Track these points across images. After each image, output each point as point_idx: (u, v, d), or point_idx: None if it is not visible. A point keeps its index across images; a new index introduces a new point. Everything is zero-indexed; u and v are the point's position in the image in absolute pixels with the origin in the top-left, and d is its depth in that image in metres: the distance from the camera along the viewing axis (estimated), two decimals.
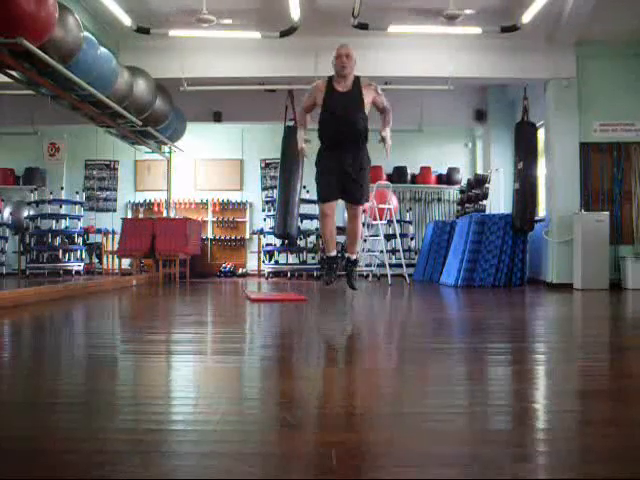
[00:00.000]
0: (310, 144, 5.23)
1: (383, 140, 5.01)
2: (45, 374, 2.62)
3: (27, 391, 2.28)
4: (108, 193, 13.62)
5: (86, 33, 6.68)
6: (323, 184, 5.08)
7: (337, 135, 4.96)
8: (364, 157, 5.07)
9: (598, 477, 1.39)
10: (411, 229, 12.87)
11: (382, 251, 10.19)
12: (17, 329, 4.41)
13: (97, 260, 12.47)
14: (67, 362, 2.97)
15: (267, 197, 12.91)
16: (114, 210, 13.47)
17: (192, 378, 2.58)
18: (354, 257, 5.26)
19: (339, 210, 6.10)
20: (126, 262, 11.15)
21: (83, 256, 11.96)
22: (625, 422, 1.87)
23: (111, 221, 12.94)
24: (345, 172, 4.96)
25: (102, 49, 7.15)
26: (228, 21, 7.98)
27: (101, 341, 3.72)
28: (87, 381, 2.54)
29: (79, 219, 11.97)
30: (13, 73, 6.49)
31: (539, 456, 1.57)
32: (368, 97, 4.99)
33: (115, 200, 13.60)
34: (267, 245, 11.83)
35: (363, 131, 5.00)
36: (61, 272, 11.28)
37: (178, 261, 10.38)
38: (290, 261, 11.61)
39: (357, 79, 4.99)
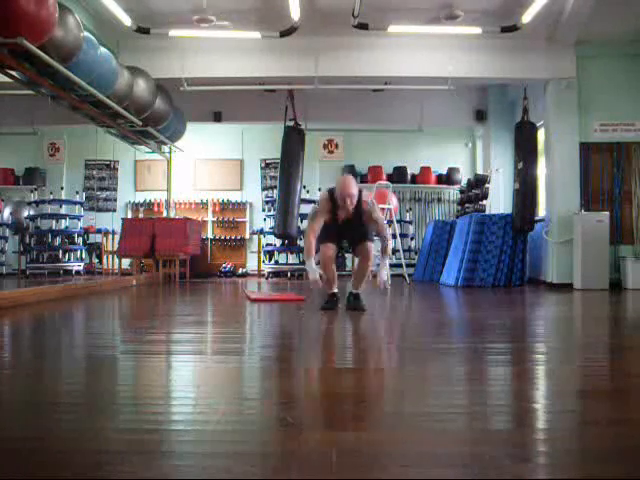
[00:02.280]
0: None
1: (376, 277, 5.09)
2: (45, 374, 2.61)
3: (28, 391, 2.28)
4: (108, 193, 13.62)
5: (86, 33, 6.68)
6: (322, 235, 5.08)
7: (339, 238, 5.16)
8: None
9: (598, 477, 1.38)
10: (411, 229, 12.87)
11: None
12: (18, 329, 4.41)
13: (97, 260, 12.48)
14: (67, 362, 2.97)
15: (267, 197, 12.91)
16: (114, 210, 13.47)
17: (192, 378, 2.58)
18: (359, 291, 5.14)
19: None
20: (126, 262, 11.16)
21: (83, 256, 11.96)
22: (625, 422, 1.87)
23: (111, 221, 12.94)
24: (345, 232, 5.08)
25: (102, 49, 7.14)
26: (228, 21, 7.98)
27: (101, 341, 3.72)
28: (87, 381, 2.54)
29: (79, 219, 11.98)
30: (13, 73, 6.49)
31: (539, 456, 1.57)
32: (369, 219, 5.04)
33: (115, 200, 13.60)
34: (267, 245, 11.84)
35: (365, 236, 5.10)
36: (61, 272, 11.28)
37: (178, 261, 10.38)
38: (290, 261, 11.61)
39: (358, 202, 4.96)
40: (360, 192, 4.97)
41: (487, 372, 2.75)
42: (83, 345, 3.58)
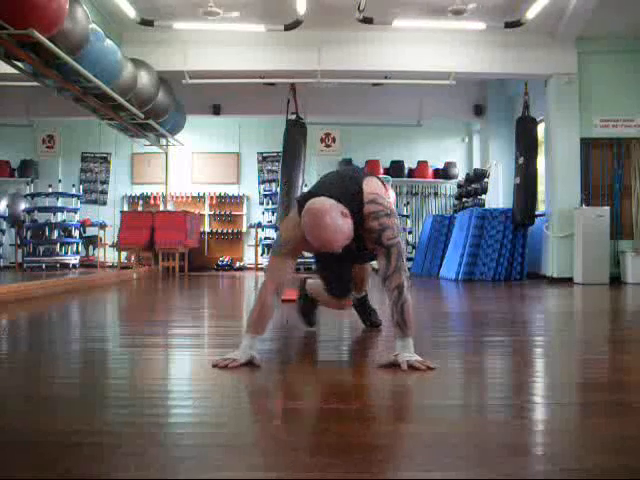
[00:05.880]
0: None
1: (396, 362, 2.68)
2: (43, 370, 2.58)
3: (26, 388, 2.26)
4: (105, 186, 13.55)
5: (93, 25, 6.64)
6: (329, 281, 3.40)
7: None
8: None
9: (598, 476, 1.38)
10: (409, 223, 12.87)
11: None
12: (18, 324, 4.39)
13: (94, 253, 12.42)
14: (66, 358, 2.95)
15: (265, 191, 12.86)
16: (111, 203, 13.39)
17: (192, 375, 2.56)
18: (362, 295, 3.89)
19: None
20: (124, 255, 11.12)
21: (80, 249, 11.91)
22: (626, 414, 1.87)
23: (109, 214, 12.87)
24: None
25: (108, 41, 7.09)
26: (235, 14, 7.92)
27: (100, 336, 3.72)
28: (86, 378, 2.51)
29: (76, 212, 11.91)
30: (19, 64, 6.43)
31: (539, 455, 1.55)
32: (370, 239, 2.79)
33: (112, 193, 13.52)
34: (265, 239, 11.82)
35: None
36: (58, 265, 11.23)
37: (177, 254, 10.36)
38: None
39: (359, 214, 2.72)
40: (362, 193, 2.63)
41: (487, 367, 2.75)
42: (83, 339, 3.57)
